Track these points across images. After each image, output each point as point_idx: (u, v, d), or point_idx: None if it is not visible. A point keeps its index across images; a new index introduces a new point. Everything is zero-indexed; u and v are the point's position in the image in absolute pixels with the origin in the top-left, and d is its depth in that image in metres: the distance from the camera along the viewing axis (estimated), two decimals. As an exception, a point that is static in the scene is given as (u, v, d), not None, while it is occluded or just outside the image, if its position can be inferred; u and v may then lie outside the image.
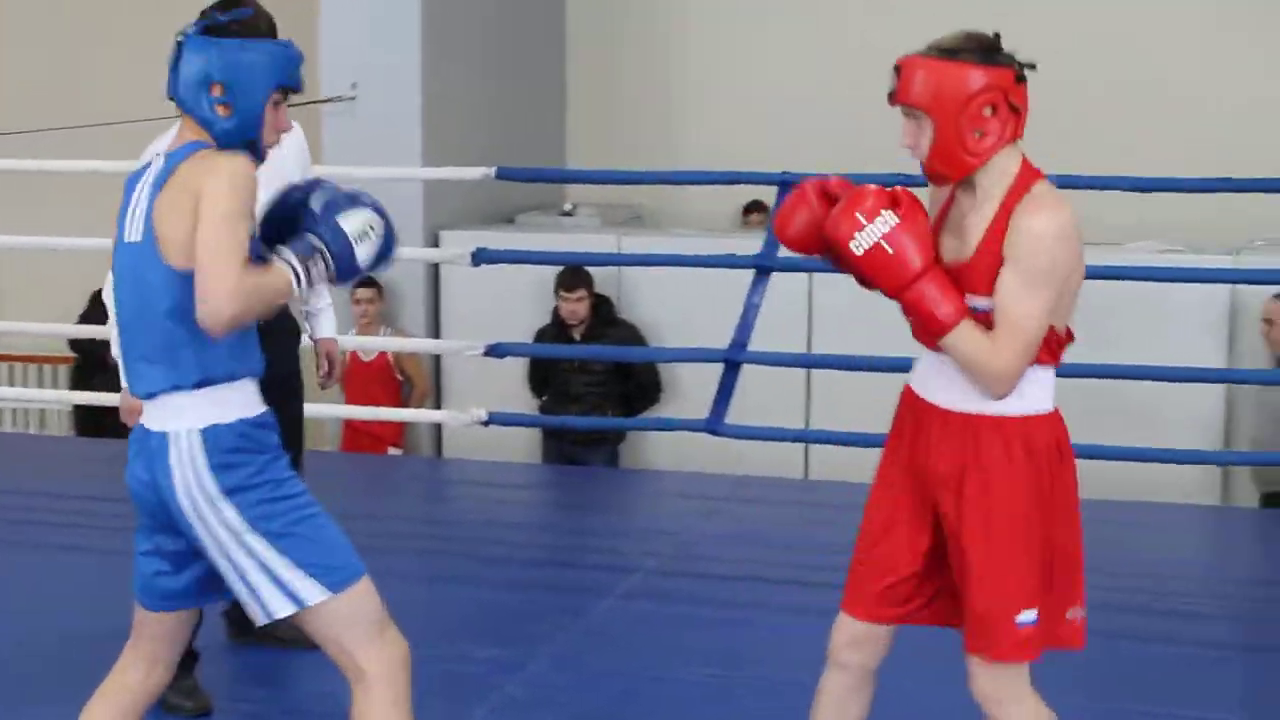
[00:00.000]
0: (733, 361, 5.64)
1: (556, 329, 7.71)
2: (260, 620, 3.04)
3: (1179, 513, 6.52)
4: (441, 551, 5.64)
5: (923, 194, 3.08)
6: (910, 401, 3.13)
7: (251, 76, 3.03)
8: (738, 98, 9.58)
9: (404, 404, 8.13)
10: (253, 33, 3.07)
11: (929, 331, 2.94)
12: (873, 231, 2.89)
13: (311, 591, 2.99)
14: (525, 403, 7.86)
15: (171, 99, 3.07)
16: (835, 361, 6.89)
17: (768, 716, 4.16)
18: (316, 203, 3.07)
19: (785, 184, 5.66)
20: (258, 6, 3.12)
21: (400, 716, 3.04)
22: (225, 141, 3.02)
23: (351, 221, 3.06)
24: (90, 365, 8.54)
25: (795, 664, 3.64)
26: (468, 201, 8.37)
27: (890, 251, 2.89)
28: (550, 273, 7.63)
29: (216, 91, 3.01)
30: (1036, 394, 2.99)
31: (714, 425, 5.65)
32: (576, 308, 7.62)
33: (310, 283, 3.02)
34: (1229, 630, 4.91)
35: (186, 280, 2.92)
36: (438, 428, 8.31)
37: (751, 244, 5.95)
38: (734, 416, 5.74)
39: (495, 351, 6.01)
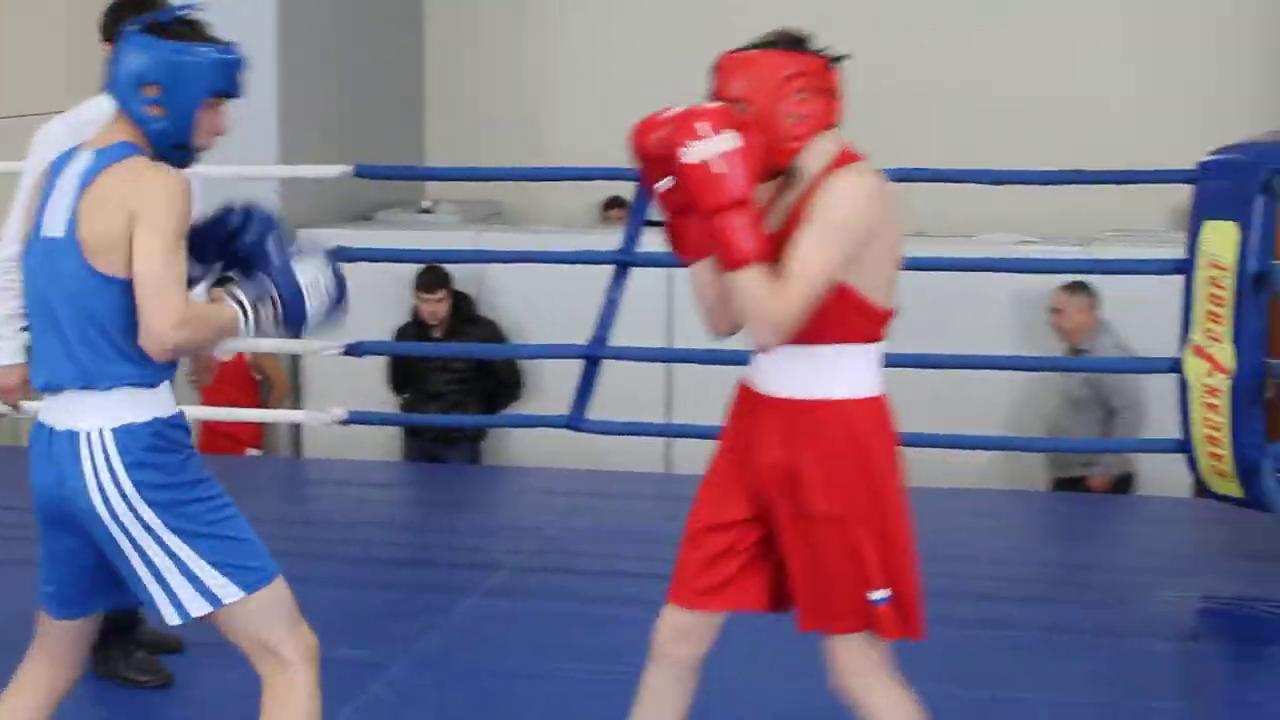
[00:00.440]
0: (593, 357, 5.62)
1: (416, 327, 7.64)
2: (173, 621, 2.98)
3: (978, 498, 6.60)
4: (302, 552, 5.55)
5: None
6: (744, 396, 3.15)
7: (187, 79, 2.97)
8: (598, 94, 9.56)
9: (262, 404, 8.02)
10: (195, 35, 3.01)
11: (726, 260, 2.89)
12: (709, 146, 2.85)
13: (228, 591, 2.96)
14: (386, 401, 7.78)
15: (108, 92, 3.01)
16: (695, 356, 6.89)
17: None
18: (271, 242, 3.05)
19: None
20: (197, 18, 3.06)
21: (318, 701, 3.03)
22: (156, 141, 2.98)
23: (305, 270, 3.03)
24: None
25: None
26: (325, 199, 8.27)
27: (718, 170, 2.85)
28: (410, 270, 7.55)
29: (150, 91, 2.96)
30: (860, 377, 3.01)
31: (575, 421, 5.63)
32: (436, 308, 7.56)
33: (257, 325, 2.99)
34: (1069, 613, 4.97)
35: (108, 284, 2.88)
36: (297, 428, 8.20)
37: (612, 239, 5.93)
38: (596, 412, 5.72)
39: (355, 350, 5.93)
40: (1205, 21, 9.03)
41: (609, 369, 5.76)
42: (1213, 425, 5.01)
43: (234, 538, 2.99)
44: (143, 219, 2.85)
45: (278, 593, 3.02)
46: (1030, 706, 4.23)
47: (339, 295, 3.08)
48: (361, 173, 6.18)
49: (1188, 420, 5.10)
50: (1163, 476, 7.18)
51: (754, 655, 3.96)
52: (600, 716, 4.04)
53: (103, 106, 4.05)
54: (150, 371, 2.95)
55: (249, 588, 2.97)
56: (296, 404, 8.15)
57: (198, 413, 7.26)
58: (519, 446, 7.95)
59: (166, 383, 3.01)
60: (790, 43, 3.00)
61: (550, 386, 7.47)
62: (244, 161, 6.94)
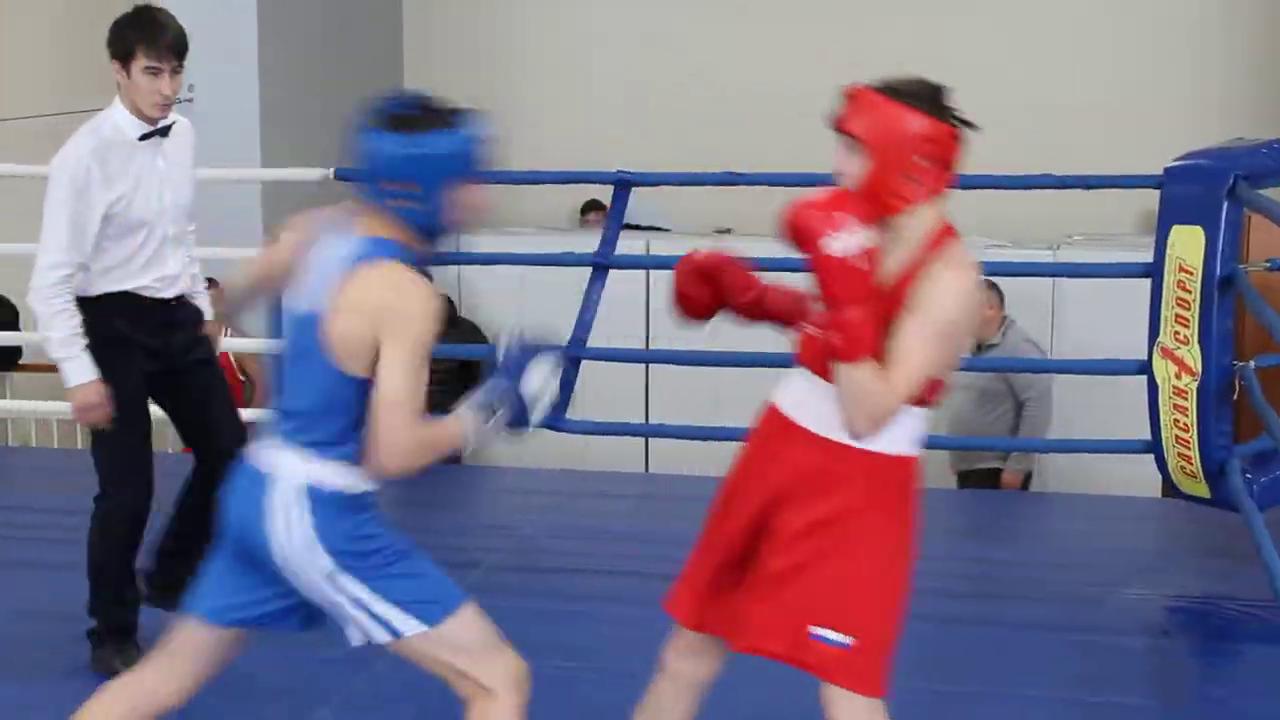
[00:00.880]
0: (572, 358, 5.63)
1: (398, 328, 7.61)
2: (356, 642, 3.07)
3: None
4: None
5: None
6: (775, 421, 3.11)
7: (430, 171, 2.96)
8: (576, 98, 9.58)
9: (246, 405, 8.00)
10: (434, 121, 2.98)
11: (846, 351, 2.84)
12: (848, 240, 2.80)
13: (409, 625, 3.02)
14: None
15: (355, 182, 3.02)
16: (672, 357, 6.92)
17: (612, 707, 4.11)
18: (504, 348, 3.09)
19: (622, 183, 5.68)
20: (437, 98, 3.05)
21: None
22: (412, 227, 2.98)
23: (534, 379, 3.07)
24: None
25: (638, 655, 3.62)
26: (307, 203, 8.18)
27: (857, 265, 2.80)
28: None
29: (397, 187, 2.95)
30: (907, 435, 3.01)
31: (555, 421, 5.62)
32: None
33: (477, 435, 3.05)
34: (1037, 611, 5.00)
35: (349, 380, 2.93)
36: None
37: (589, 242, 5.94)
38: (575, 412, 5.73)
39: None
40: (1175, 27, 9.05)
41: (588, 370, 5.77)
42: (1181, 427, 5.04)
43: (413, 576, 3.05)
44: (391, 335, 2.88)
45: (465, 622, 3.07)
46: (1001, 700, 4.25)
47: (562, 397, 3.12)
48: (342, 176, 6.15)
49: (1156, 422, 5.13)
50: (1070, 474, 7.25)
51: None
52: (579, 713, 4.07)
53: (116, 120, 4.17)
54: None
55: (430, 621, 3.03)
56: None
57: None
58: (498, 446, 7.92)
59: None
60: (930, 101, 2.94)
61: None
62: (226, 165, 6.98)
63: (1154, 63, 9.00)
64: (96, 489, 4.33)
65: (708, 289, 3.27)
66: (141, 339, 4.28)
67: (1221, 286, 4.90)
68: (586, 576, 5.30)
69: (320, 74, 8.65)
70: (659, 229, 8.52)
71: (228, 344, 7.61)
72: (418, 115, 2.98)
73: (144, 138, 4.20)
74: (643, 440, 7.90)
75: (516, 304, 7.65)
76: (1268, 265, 5.02)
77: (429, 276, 3.00)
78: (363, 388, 2.93)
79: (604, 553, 5.52)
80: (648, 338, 7.72)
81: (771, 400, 3.13)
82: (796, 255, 2.85)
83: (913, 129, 2.90)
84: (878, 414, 2.86)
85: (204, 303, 4.52)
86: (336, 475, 3.00)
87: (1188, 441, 5.03)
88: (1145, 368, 5.14)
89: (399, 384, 2.88)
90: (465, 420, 3.04)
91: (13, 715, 4.06)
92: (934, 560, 5.20)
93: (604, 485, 6.65)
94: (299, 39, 8.39)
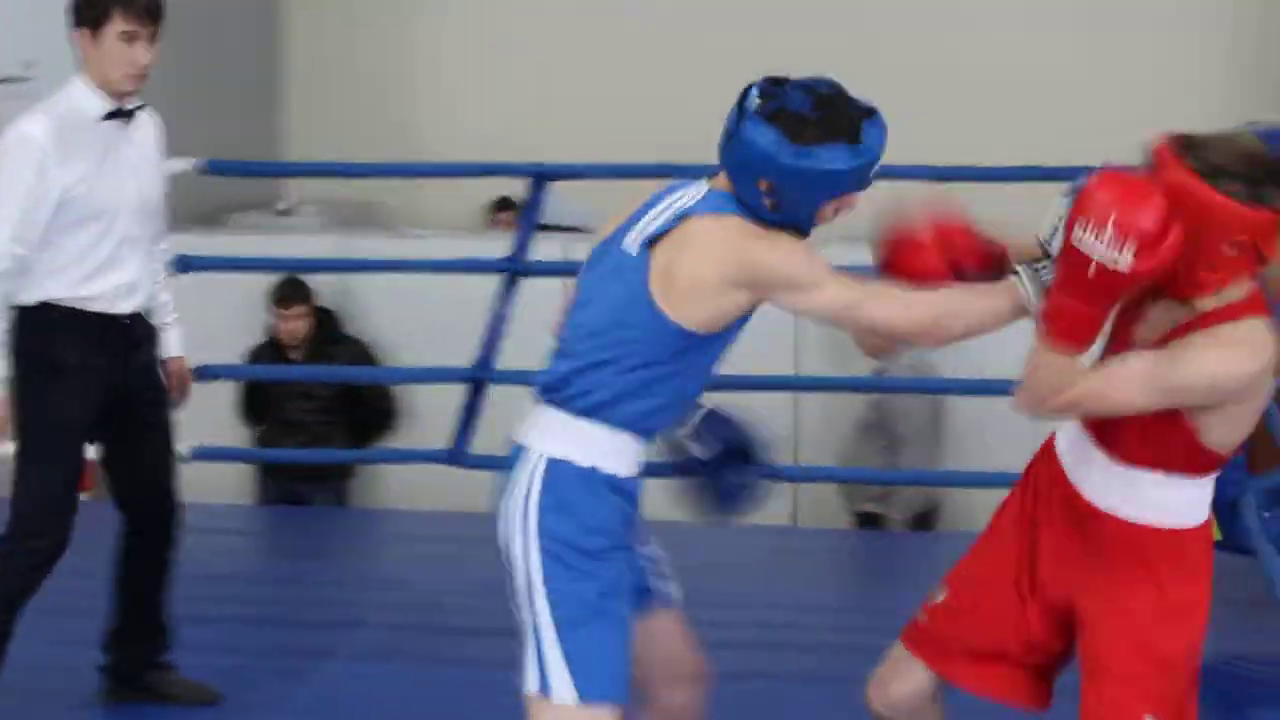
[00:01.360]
0: (478, 381, 5.54)
1: (273, 348, 7.48)
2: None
3: (770, 536, 6.67)
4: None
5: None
6: (1059, 483, 3.25)
7: (809, 186, 3.02)
8: (483, 81, 9.53)
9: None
10: (828, 133, 2.99)
11: (1058, 331, 2.94)
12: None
13: (562, 689, 3.11)
14: (237, 434, 7.61)
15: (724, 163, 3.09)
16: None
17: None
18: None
19: (540, 176, 5.63)
20: (837, 92, 3.06)
21: None
22: (767, 218, 3.06)
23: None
24: None
25: None
26: (170, 200, 8.09)
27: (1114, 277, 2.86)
28: (266, 282, 7.40)
29: (764, 186, 3.01)
30: (1197, 509, 3.16)
31: (457, 455, 5.55)
32: (295, 326, 7.41)
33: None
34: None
35: (664, 327, 3.05)
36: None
37: (500, 246, 5.83)
38: (481, 445, 5.60)
39: (202, 374, 5.77)
40: (1183, 9, 9.23)
41: (496, 395, 5.66)
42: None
43: (600, 643, 3.11)
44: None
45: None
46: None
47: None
48: (211, 168, 6.14)
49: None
50: (968, 511, 7.23)
51: None
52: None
53: (76, 96, 4.22)
54: (639, 421, 3.12)
55: (584, 698, 3.10)
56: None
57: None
58: (393, 485, 7.82)
59: (639, 444, 3.14)
60: (1252, 185, 2.89)
61: (429, 416, 7.33)
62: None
63: (1152, 48, 9.19)
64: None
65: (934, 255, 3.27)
66: (92, 363, 4.23)
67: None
68: (498, 639, 5.14)
69: (184, 50, 8.46)
70: (581, 230, 8.41)
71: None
72: (812, 119, 2.99)
73: (109, 116, 4.21)
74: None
75: (415, 318, 7.54)
76: None
77: None
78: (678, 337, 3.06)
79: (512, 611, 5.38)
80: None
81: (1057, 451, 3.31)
82: None
83: (1226, 221, 2.89)
84: (1047, 404, 3.02)
85: (173, 334, 4.60)
86: (588, 446, 3.14)
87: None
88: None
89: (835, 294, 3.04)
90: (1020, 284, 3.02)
91: None
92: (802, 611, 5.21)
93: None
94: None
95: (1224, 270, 2.92)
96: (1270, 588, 4.94)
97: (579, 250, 7.70)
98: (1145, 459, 3.07)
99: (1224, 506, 4.92)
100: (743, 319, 3.10)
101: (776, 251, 3.01)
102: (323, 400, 7.51)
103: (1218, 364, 2.92)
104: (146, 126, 4.39)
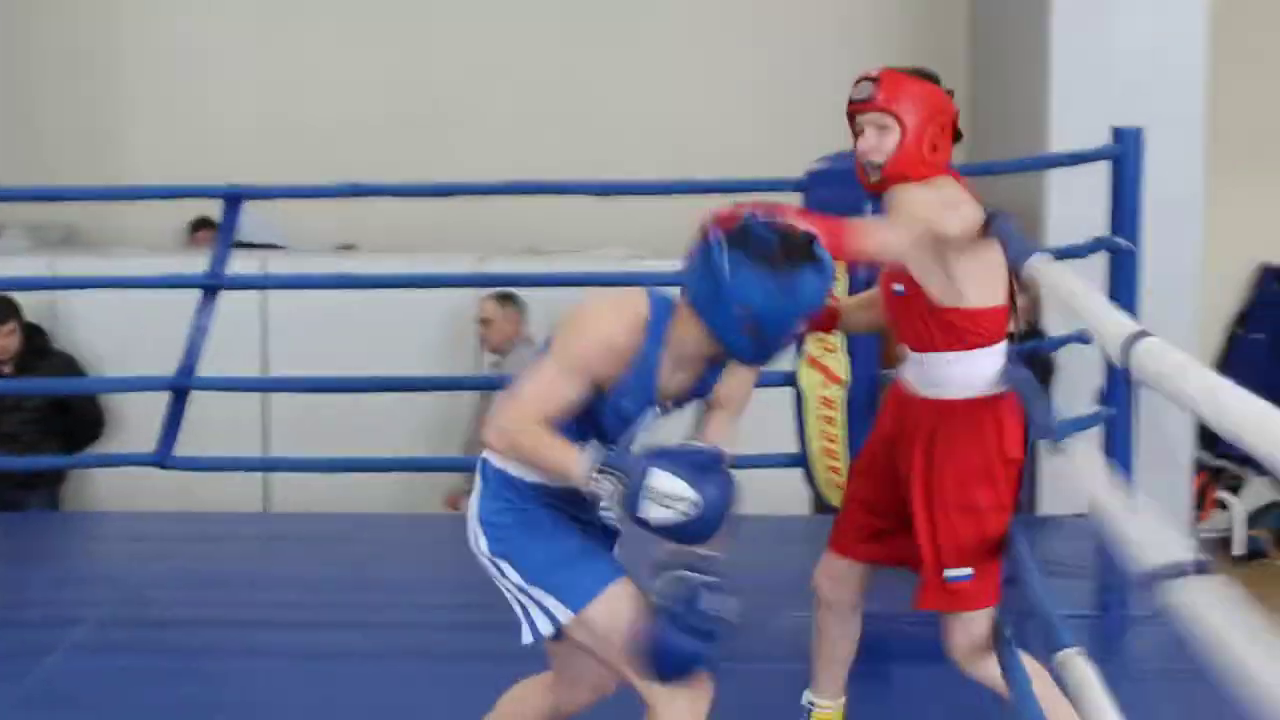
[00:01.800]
0: (181, 389, 5.47)
1: (-17, 363, 7.31)
2: (527, 640, 3.26)
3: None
4: None
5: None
6: (897, 394, 3.76)
7: (783, 314, 3.07)
8: (179, 107, 9.37)
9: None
10: (796, 260, 3.07)
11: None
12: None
13: (561, 611, 3.20)
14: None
15: (684, 291, 3.15)
16: (291, 384, 6.80)
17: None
18: (657, 444, 3.18)
19: (233, 197, 5.55)
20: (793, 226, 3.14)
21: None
22: (730, 349, 3.15)
23: (660, 481, 3.05)
24: None
25: (269, 710, 3.56)
26: None
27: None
28: (-29, 302, 7.22)
29: (747, 321, 3.06)
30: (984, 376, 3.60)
31: (162, 458, 5.47)
32: (4, 343, 7.25)
33: (596, 491, 3.07)
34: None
35: None
36: None
37: (201, 263, 5.79)
38: (187, 448, 5.55)
39: (-88, 389, 5.65)
40: (822, 25, 9.28)
41: (201, 402, 5.61)
42: (829, 437, 5.16)
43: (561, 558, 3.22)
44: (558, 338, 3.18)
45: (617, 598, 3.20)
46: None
47: (695, 525, 3.10)
48: None
49: (804, 434, 5.25)
50: None
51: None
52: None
53: None
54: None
55: (576, 606, 3.18)
56: None
57: None
58: (103, 489, 7.69)
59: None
60: (937, 82, 3.57)
61: (136, 424, 7.22)
62: None
63: (801, 64, 9.19)
64: None
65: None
66: None
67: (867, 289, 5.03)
68: (204, 629, 5.15)
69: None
70: (276, 247, 8.38)
71: None
72: (782, 255, 3.06)
73: None
74: (261, 478, 7.76)
75: (121, 333, 7.44)
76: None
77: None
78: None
79: (223, 602, 5.37)
80: (265, 364, 7.60)
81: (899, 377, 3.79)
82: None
83: (940, 102, 3.54)
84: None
85: None
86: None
87: (836, 453, 5.16)
88: (791, 379, 5.24)
89: (539, 373, 3.16)
90: (586, 460, 3.08)
91: None
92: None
93: (218, 527, 6.48)
94: None
95: (941, 150, 3.62)
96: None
97: (276, 266, 7.73)
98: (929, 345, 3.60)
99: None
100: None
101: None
102: (33, 411, 7.35)
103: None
104: None
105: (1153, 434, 5.55)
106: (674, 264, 7.48)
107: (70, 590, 5.58)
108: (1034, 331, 6.75)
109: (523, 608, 3.24)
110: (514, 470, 3.25)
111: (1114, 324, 2.77)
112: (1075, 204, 5.68)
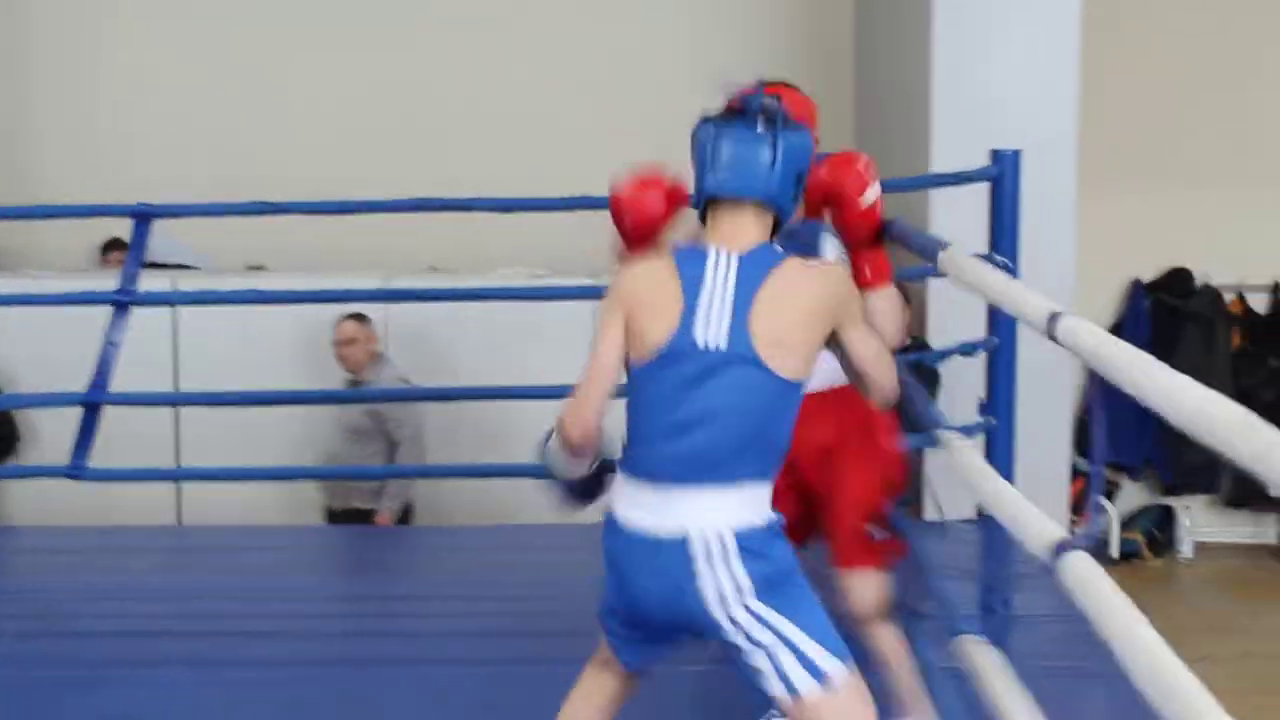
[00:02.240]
0: (93, 404, 5.39)
1: (-102, 382, 7.17)
2: (782, 695, 3.08)
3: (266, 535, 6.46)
4: None
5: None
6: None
7: (807, 162, 3.18)
8: (89, 129, 9.23)
9: None
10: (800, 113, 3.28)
11: (882, 277, 3.47)
12: (874, 190, 3.43)
13: (831, 665, 3.07)
14: None
15: (738, 192, 3.10)
16: (201, 398, 6.75)
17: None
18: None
19: (142, 216, 5.49)
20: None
21: None
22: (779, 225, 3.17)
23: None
24: None
25: (184, 716, 3.51)
26: None
27: (878, 208, 3.46)
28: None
29: (797, 180, 3.15)
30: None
31: (75, 470, 5.38)
32: (-80, 359, 7.12)
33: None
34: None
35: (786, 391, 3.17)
36: None
37: (112, 283, 5.69)
38: (101, 462, 5.45)
39: None
40: (680, 37, 9.21)
41: (114, 417, 5.51)
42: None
43: (822, 618, 3.12)
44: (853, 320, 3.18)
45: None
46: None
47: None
48: None
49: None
50: (436, 509, 7.38)
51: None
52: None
53: None
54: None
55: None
56: None
57: None
58: (17, 503, 7.56)
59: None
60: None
61: (51, 440, 7.11)
62: None
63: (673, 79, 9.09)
64: None
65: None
66: None
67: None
68: (118, 640, 5.06)
69: None
70: (187, 267, 8.28)
71: None
72: (790, 112, 3.16)
73: None
74: (174, 493, 7.67)
75: (34, 350, 7.32)
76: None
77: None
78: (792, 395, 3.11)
79: (135, 613, 5.28)
80: (176, 379, 7.52)
81: None
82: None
83: (813, 114, 3.63)
84: (896, 335, 3.49)
85: None
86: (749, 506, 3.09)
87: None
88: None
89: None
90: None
91: None
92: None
93: (131, 539, 6.38)
94: None
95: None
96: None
97: (186, 284, 7.64)
98: None
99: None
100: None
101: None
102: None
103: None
104: None
105: (1033, 443, 5.60)
106: (577, 280, 7.52)
107: (-15, 603, 5.46)
108: (917, 343, 6.77)
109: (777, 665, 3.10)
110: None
111: (1035, 305, 3.01)
112: (959, 220, 5.68)
